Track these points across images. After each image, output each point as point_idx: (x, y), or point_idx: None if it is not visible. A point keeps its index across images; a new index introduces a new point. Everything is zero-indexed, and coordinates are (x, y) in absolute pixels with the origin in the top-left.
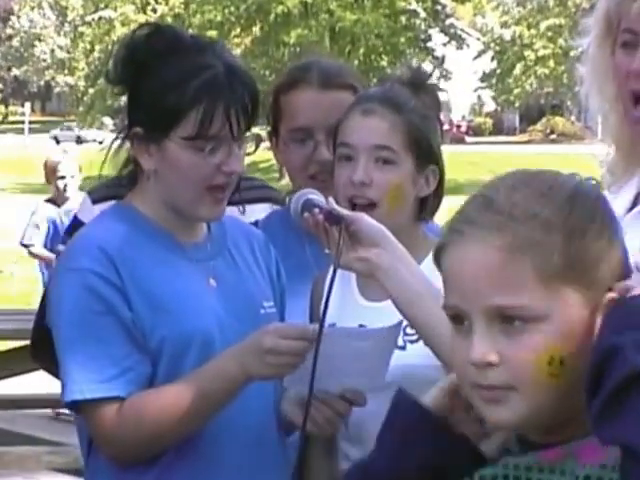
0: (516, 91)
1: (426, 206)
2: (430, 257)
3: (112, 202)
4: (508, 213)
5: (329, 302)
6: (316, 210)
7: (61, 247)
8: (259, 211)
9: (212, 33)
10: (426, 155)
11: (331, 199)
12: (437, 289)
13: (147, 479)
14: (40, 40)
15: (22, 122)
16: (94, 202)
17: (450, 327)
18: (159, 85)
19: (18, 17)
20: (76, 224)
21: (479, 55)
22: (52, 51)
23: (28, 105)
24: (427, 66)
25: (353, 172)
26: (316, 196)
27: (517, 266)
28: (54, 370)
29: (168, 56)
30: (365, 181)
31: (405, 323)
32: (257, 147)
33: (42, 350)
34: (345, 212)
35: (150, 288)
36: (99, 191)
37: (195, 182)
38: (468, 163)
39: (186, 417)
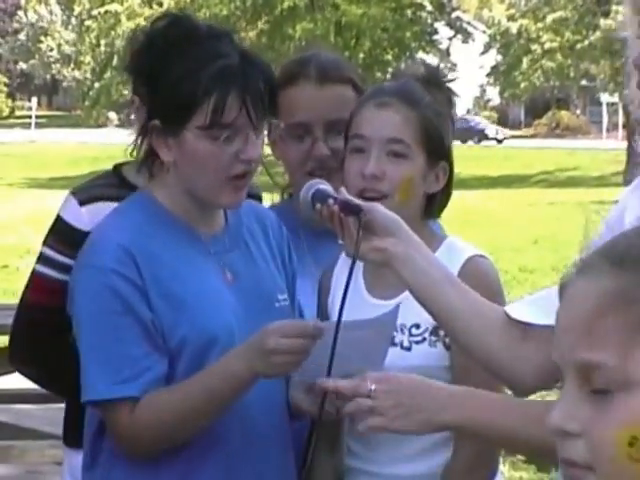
0: (523, 85)
1: (434, 203)
2: (438, 254)
3: (99, 203)
4: (620, 257)
5: (347, 292)
6: (331, 201)
7: (45, 249)
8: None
9: None
10: (438, 151)
11: (343, 189)
12: (455, 277)
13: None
14: (47, 35)
15: (29, 117)
16: (81, 204)
17: (475, 313)
18: (174, 76)
19: (25, 11)
20: (61, 224)
21: (486, 50)
22: (59, 46)
23: (35, 100)
24: (432, 59)
25: (365, 165)
26: (325, 186)
27: (614, 317)
28: (29, 372)
29: (184, 46)
30: (377, 174)
31: (410, 323)
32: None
33: (20, 351)
34: (359, 202)
35: (170, 286)
36: (85, 191)
37: (214, 172)
38: (472, 157)
39: (195, 415)
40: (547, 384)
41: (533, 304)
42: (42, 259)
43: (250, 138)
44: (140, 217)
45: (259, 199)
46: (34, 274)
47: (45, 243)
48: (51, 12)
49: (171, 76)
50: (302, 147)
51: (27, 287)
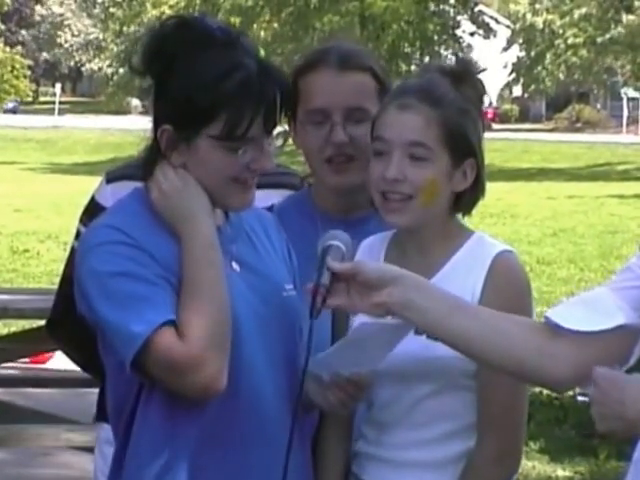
0: (549, 81)
1: (463, 199)
2: (464, 249)
3: (125, 182)
4: None
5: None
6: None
7: (80, 227)
8: (274, 197)
9: (240, 18)
10: (463, 149)
11: (332, 262)
12: (463, 300)
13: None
14: (64, 24)
15: (53, 102)
16: (108, 182)
17: (494, 329)
18: (190, 83)
19: (42, 4)
20: (92, 203)
21: (509, 46)
22: (74, 35)
23: (59, 86)
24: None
25: (386, 168)
26: (337, 242)
27: None
28: (69, 349)
29: (199, 51)
30: (398, 178)
31: None
32: (285, 142)
33: (60, 328)
34: (346, 265)
35: (174, 269)
36: (116, 171)
37: (223, 178)
38: (493, 150)
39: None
40: (581, 380)
41: (570, 306)
42: (77, 236)
43: (265, 149)
44: (142, 211)
45: (298, 189)
46: (71, 251)
47: (81, 221)
48: (61, 3)
49: (187, 82)
50: (321, 133)
51: (66, 264)
